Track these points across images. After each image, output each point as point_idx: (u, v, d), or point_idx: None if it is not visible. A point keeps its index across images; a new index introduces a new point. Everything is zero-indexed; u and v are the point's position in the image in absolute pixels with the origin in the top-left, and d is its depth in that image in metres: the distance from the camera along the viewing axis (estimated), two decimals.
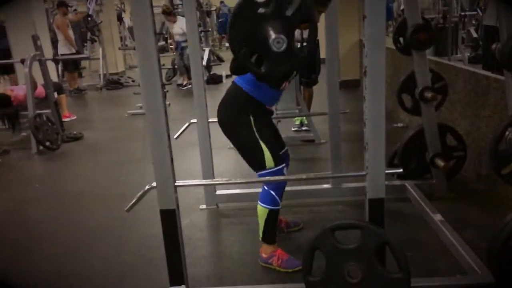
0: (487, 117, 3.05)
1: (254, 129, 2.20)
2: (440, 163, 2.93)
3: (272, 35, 1.46)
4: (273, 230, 2.36)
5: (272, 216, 2.29)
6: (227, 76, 8.82)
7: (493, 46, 2.11)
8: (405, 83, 3.06)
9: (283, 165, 2.27)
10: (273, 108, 2.38)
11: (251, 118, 2.20)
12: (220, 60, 11.12)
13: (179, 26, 8.31)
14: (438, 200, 2.93)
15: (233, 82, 2.31)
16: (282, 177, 2.22)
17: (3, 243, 2.95)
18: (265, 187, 2.26)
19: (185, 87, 8.26)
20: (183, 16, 8.20)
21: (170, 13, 8.41)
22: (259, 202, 2.29)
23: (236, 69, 2.15)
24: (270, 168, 2.21)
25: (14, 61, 6.43)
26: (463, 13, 7.30)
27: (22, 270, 2.58)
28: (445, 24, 6.18)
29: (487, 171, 3.05)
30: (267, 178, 2.22)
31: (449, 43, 5.05)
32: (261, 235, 2.35)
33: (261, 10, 1.52)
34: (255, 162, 2.25)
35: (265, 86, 2.21)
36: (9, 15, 6.86)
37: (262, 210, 2.28)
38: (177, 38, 8.45)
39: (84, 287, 2.36)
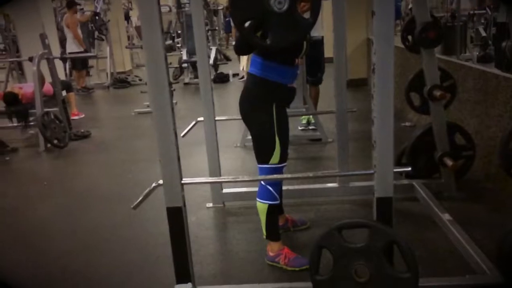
0: (496, 116, 3.02)
1: (275, 121, 2.18)
2: (449, 162, 2.90)
3: None
4: (275, 226, 2.36)
5: (272, 211, 2.30)
6: (234, 75, 8.83)
7: (503, 44, 2.09)
8: (413, 81, 3.04)
9: (285, 164, 2.29)
10: (294, 85, 2.31)
11: (274, 106, 2.18)
12: (227, 59, 11.11)
13: None
14: (446, 199, 2.91)
15: (248, 73, 2.30)
16: (289, 175, 2.21)
17: (10, 241, 2.97)
18: (263, 183, 2.27)
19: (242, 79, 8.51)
20: None
21: None
22: (257, 198, 2.30)
23: (240, 47, 2.14)
24: (273, 164, 2.21)
25: (22, 59, 6.48)
26: (472, 12, 7.24)
27: (29, 268, 2.59)
28: (454, 23, 6.13)
29: (496, 171, 3.03)
30: (274, 176, 2.21)
31: (457, 42, 5.02)
32: (264, 233, 2.36)
33: None
34: (263, 153, 2.24)
35: (276, 65, 2.17)
36: (18, 14, 6.90)
37: (261, 206, 2.29)
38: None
39: (91, 285, 2.37)
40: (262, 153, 2.26)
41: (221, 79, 8.70)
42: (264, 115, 2.19)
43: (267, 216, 2.30)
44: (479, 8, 7.53)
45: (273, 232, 2.36)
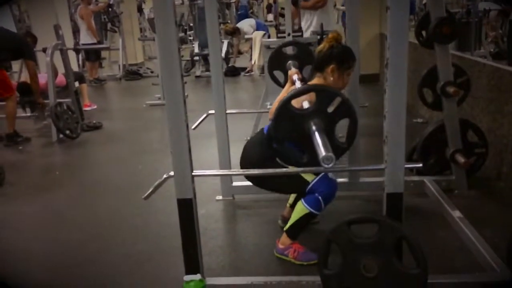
0: (510, 113, 2.98)
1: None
2: (461, 159, 2.88)
3: (322, 152, 1.51)
4: (301, 229, 2.36)
5: (309, 218, 2.28)
6: (245, 69, 8.82)
7: None
8: (427, 77, 3.02)
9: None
10: None
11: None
12: (239, 52, 11.09)
13: (247, 27, 9.06)
14: (457, 196, 2.89)
15: (262, 130, 2.39)
16: (300, 169, 2.18)
17: (21, 229, 3.01)
18: (316, 194, 2.22)
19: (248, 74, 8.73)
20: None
21: (234, 32, 8.99)
22: (302, 200, 2.26)
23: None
24: (313, 180, 2.22)
25: (36, 50, 6.53)
26: (487, 8, 7.14)
27: (39, 256, 2.63)
28: (469, 19, 6.05)
29: (508, 169, 3.00)
30: (283, 170, 2.21)
31: (472, 38, 4.95)
32: (287, 227, 2.35)
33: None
34: (299, 186, 2.26)
35: None
36: (32, 5, 6.96)
37: (302, 209, 2.25)
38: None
39: (100, 274, 2.39)
40: (297, 187, 2.29)
41: (232, 72, 8.69)
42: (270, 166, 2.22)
43: (301, 218, 2.27)
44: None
45: (296, 232, 2.35)
